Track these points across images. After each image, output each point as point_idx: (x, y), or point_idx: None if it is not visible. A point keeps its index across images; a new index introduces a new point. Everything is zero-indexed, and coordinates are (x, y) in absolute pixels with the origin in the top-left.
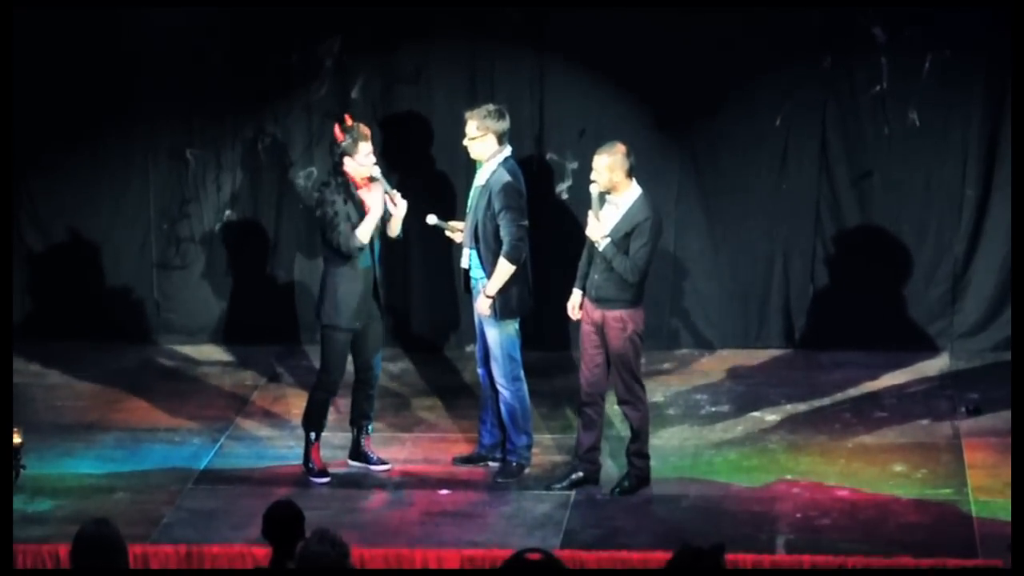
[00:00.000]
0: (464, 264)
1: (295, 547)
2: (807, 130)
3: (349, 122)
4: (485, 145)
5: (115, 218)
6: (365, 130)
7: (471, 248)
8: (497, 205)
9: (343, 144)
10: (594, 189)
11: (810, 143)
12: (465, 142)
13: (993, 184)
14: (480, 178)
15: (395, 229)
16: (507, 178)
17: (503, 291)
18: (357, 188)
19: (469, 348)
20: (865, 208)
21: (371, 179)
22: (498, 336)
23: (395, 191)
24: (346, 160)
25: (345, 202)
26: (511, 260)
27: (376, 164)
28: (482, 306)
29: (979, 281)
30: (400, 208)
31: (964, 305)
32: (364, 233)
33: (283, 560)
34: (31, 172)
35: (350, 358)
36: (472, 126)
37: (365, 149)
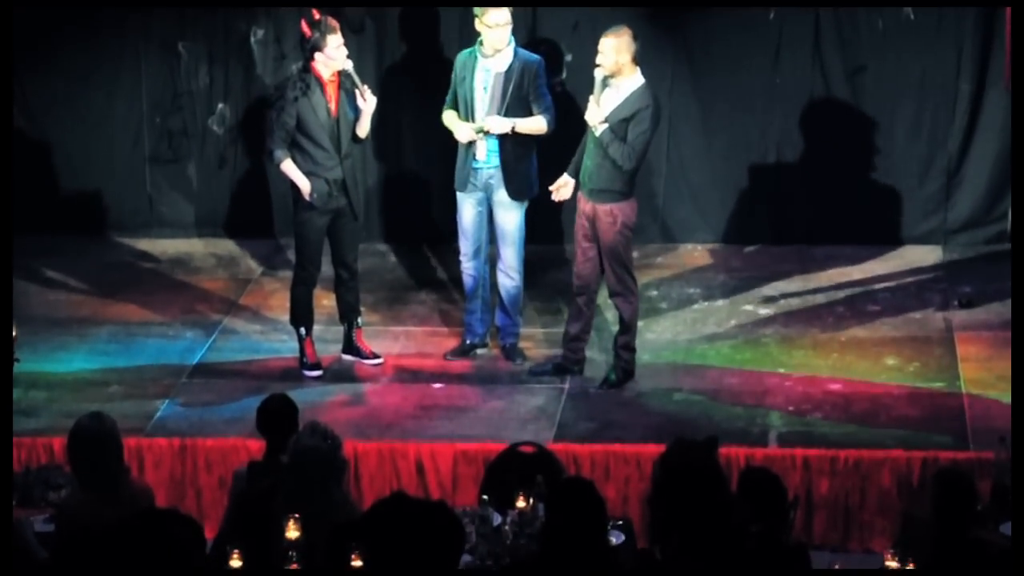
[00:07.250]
0: (480, 156)
1: (288, 440)
2: (800, 24)
3: (316, 16)
4: (508, 31)
5: (107, 111)
6: (334, 23)
7: (491, 137)
8: (540, 81)
9: (312, 39)
10: (598, 73)
11: (803, 37)
12: (497, 31)
13: (987, 79)
14: (499, 64)
15: (364, 128)
16: (535, 55)
17: (523, 173)
18: (324, 88)
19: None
20: (859, 102)
21: (342, 72)
22: (517, 219)
23: (365, 86)
24: (316, 56)
25: (296, 100)
26: (548, 127)
27: (349, 57)
28: (500, 121)
29: (973, 176)
30: (369, 104)
31: (958, 200)
32: None
33: (276, 453)
34: (22, 64)
35: (328, 255)
36: (506, 12)
37: (335, 42)
